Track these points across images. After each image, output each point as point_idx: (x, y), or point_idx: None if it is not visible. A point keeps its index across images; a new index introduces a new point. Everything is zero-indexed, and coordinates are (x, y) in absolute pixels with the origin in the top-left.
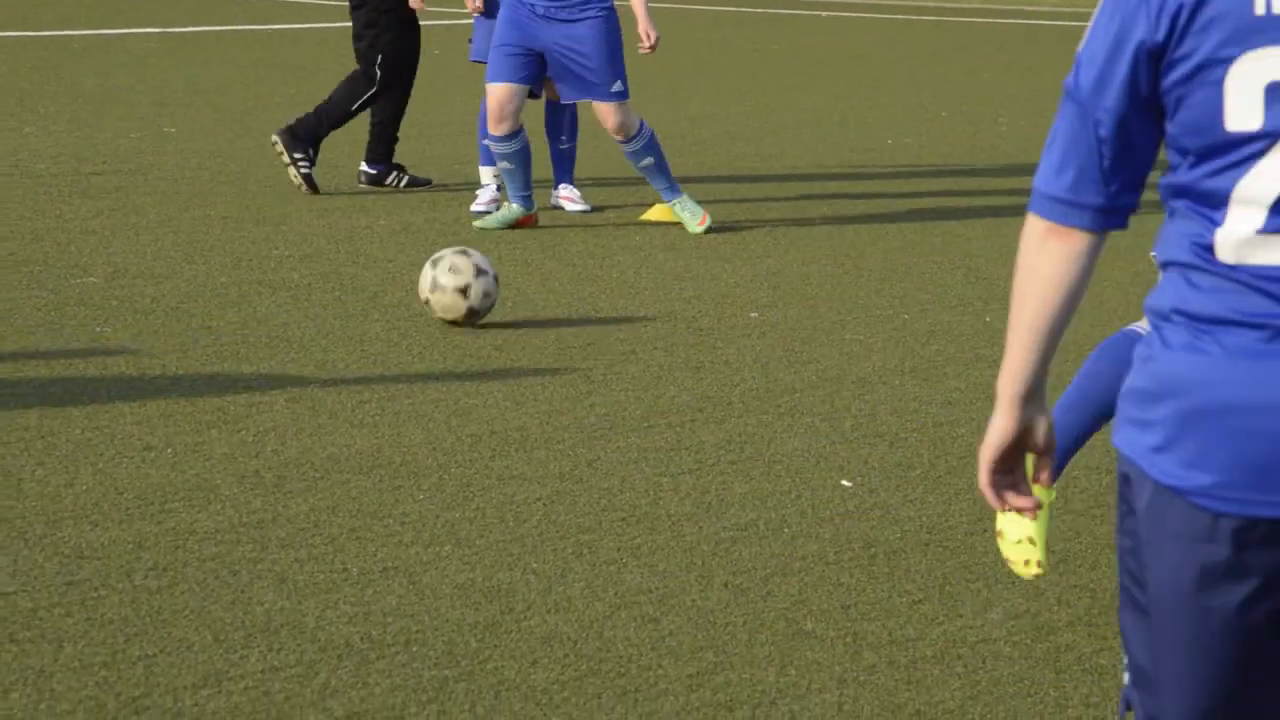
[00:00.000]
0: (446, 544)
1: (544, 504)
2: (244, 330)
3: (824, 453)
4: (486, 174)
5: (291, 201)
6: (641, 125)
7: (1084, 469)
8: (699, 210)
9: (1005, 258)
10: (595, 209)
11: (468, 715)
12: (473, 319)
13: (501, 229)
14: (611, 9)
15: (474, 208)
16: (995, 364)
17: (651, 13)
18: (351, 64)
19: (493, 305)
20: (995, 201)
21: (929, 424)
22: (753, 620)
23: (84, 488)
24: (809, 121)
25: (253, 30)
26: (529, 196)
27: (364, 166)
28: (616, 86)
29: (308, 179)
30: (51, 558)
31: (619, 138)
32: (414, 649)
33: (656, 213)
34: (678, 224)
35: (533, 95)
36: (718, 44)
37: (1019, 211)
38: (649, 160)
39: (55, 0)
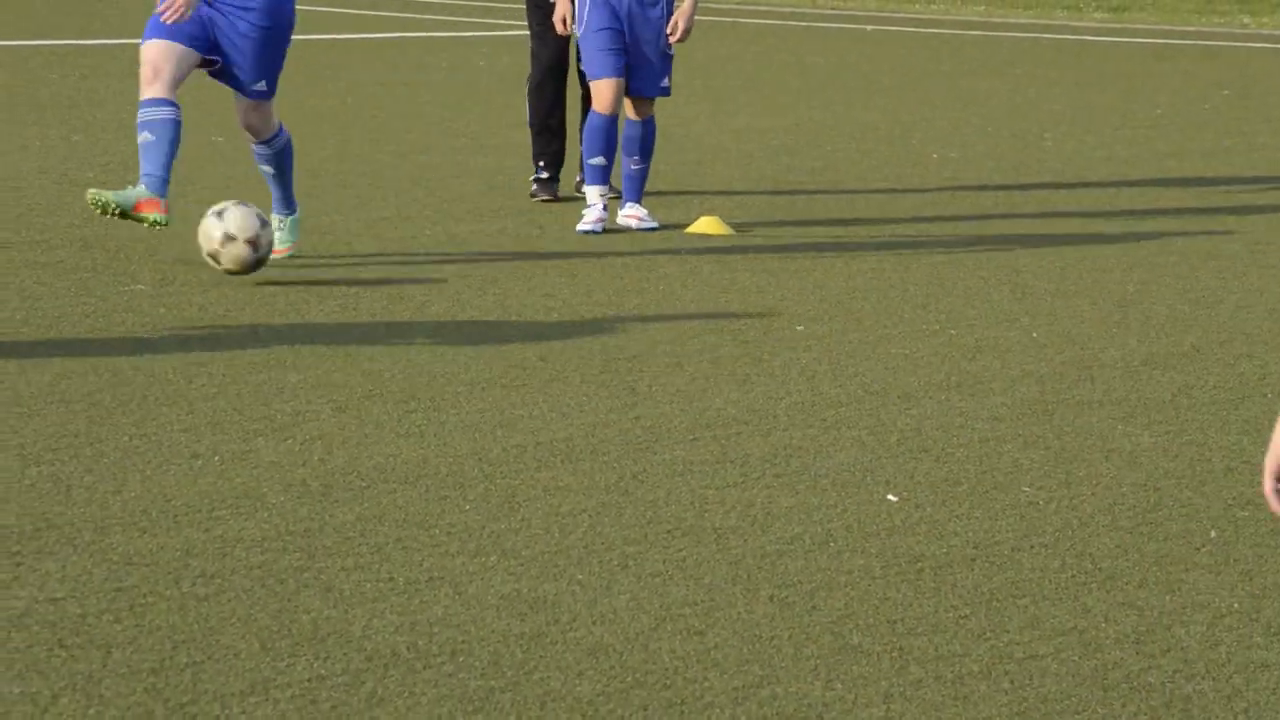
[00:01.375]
0: (492, 554)
1: (590, 515)
2: (291, 339)
3: (870, 467)
4: (593, 193)
5: (338, 211)
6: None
7: (1130, 486)
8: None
9: (1051, 273)
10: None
11: None
12: (258, 268)
13: (119, 210)
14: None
15: (580, 227)
16: (1041, 379)
17: (699, 20)
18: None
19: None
20: (1041, 218)
21: (975, 439)
22: (799, 634)
23: (132, 495)
24: (854, 136)
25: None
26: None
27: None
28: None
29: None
30: (100, 564)
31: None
32: (460, 659)
33: (703, 225)
34: (725, 236)
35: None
36: (763, 57)
37: (1064, 228)
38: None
39: (105, 9)
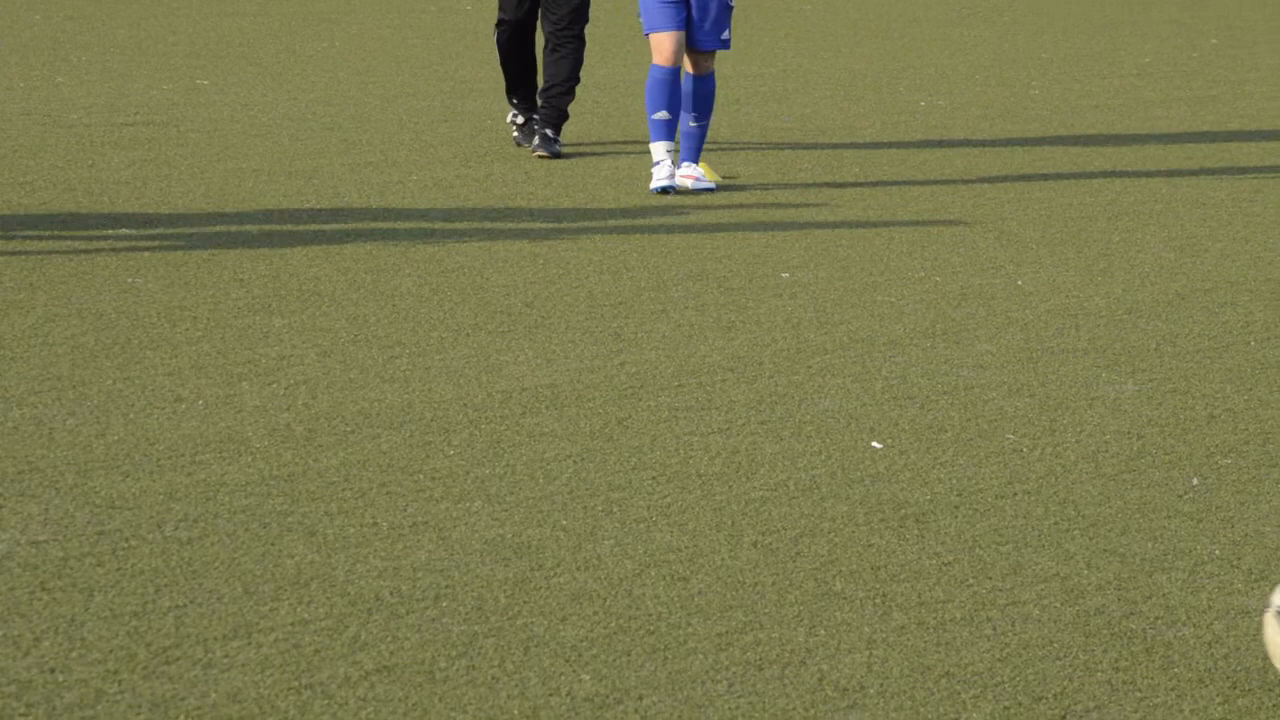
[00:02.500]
0: (477, 500)
1: (574, 461)
2: (275, 283)
3: (854, 414)
4: (659, 150)
5: (323, 155)
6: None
7: (1114, 434)
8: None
9: (1037, 221)
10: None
11: (496, 671)
12: None
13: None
14: None
15: (653, 185)
16: (1026, 327)
17: None
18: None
19: None
20: (1027, 166)
21: (960, 386)
22: (782, 580)
23: (115, 438)
24: (842, 83)
25: None
26: None
27: (550, 134)
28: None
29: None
30: (83, 507)
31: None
32: (443, 604)
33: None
34: (712, 183)
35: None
36: (751, 4)
37: (1050, 176)
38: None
39: None
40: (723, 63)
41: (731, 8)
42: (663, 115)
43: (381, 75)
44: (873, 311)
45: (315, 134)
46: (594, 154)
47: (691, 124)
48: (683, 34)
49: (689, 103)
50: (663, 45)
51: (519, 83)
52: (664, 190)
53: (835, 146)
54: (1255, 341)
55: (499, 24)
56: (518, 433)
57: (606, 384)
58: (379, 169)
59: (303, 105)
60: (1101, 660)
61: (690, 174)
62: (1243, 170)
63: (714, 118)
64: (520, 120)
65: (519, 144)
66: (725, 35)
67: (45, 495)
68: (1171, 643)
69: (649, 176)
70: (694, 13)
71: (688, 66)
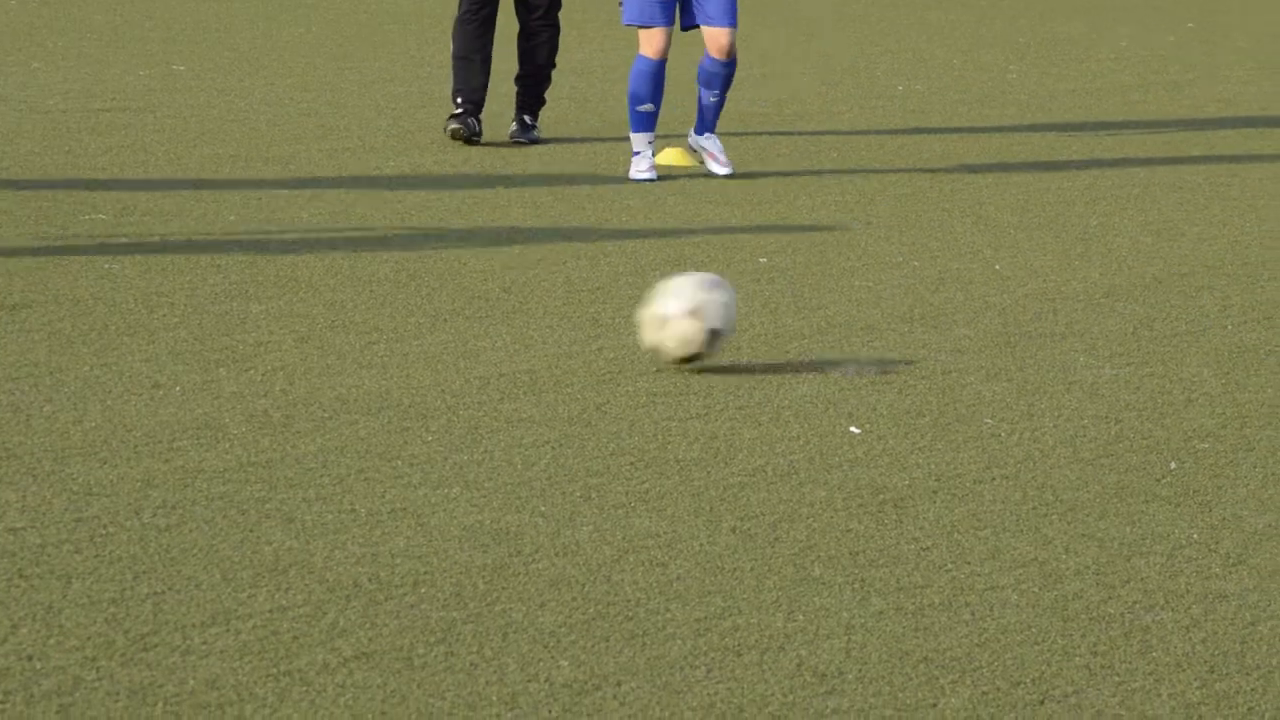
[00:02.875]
0: (455, 486)
1: (552, 447)
2: (253, 269)
3: (832, 399)
4: (640, 140)
5: (300, 141)
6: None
7: (1091, 418)
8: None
9: (1014, 206)
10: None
11: (475, 657)
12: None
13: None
14: None
15: (633, 174)
16: (1003, 311)
17: None
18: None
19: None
20: (1005, 150)
21: (938, 371)
22: (760, 565)
23: (92, 425)
24: (819, 67)
25: None
26: None
27: (528, 120)
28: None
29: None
30: (60, 494)
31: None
32: (422, 590)
33: (667, 156)
34: (687, 168)
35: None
36: None
37: (1028, 160)
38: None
39: None
40: (698, 48)
41: None
42: (647, 108)
43: (359, 61)
44: (850, 296)
45: (292, 120)
46: (571, 139)
47: (712, 99)
48: (671, 29)
49: (715, 81)
50: (654, 39)
51: (472, 76)
52: (644, 180)
53: (813, 132)
54: (1232, 325)
55: (465, 13)
56: (495, 418)
57: (584, 370)
58: (356, 155)
59: (280, 91)
60: (1080, 645)
61: (714, 152)
62: (1219, 154)
63: (693, 103)
64: (459, 111)
65: (458, 135)
66: (734, 11)
67: (22, 482)
68: (1150, 627)
69: (625, 162)
70: None
71: (713, 49)
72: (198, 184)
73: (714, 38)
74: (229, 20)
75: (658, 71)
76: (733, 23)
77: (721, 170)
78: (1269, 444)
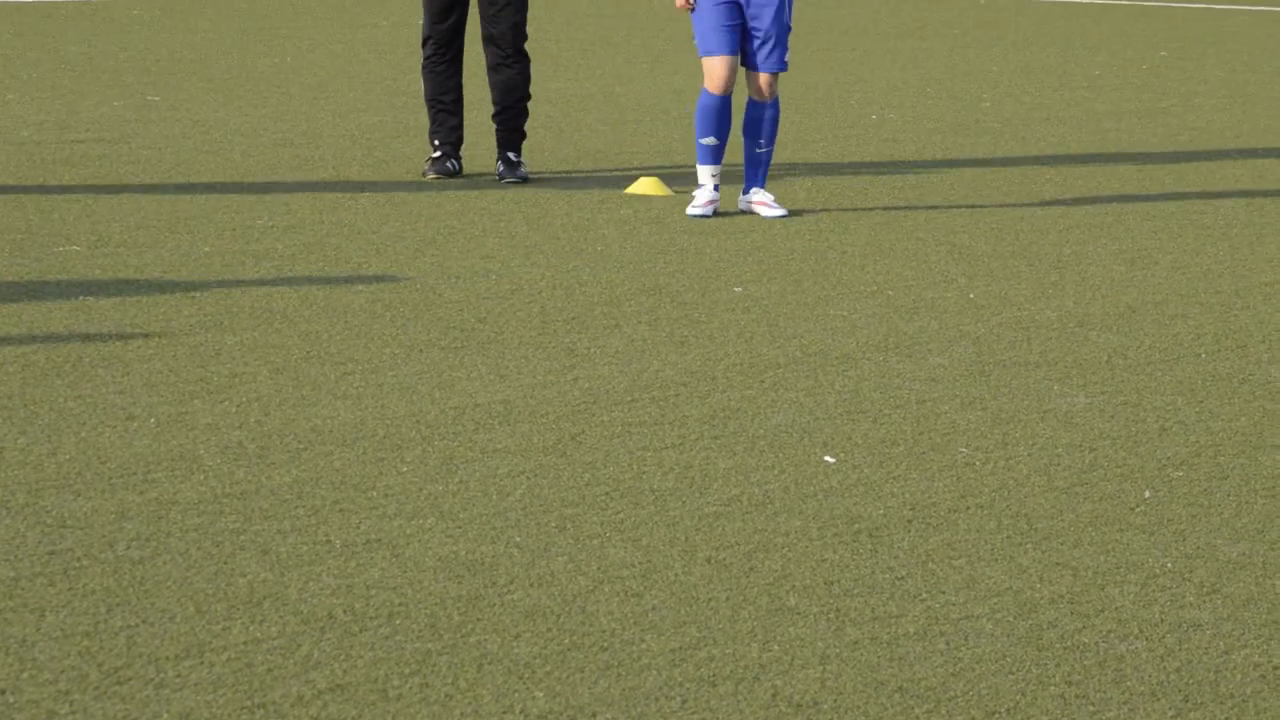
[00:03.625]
0: (430, 517)
1: (528, 478)
2: (228, 300)
3: (807, 428)
4: (704, 173)
5: (275, 171)
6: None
7: (1066, 447)
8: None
9: (989, 235)
10: (580, 181)
11: (450, 688)
12: None
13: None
14: None
15: (690, 210)
16: (978, 340)
17: None
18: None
19: None
20: (979, 179)
21: (912, 400)
22: (735, 596)
23: (66, 457)
24: (793, 96)
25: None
26: None
27: (513, 157)
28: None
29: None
30: (34, 527)
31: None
32: (397, 622)
33: (642, 186)
34: (663, 197)
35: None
36: None
37: (1002, 189)
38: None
39: None
40: (673, 76)
41: (790, 28)
42: (710, 141)
43: (334, 92)
44: (825, 325)
45: (267, 150)
46: (547, 169)
47: (759, 150)
48: (737, 59)
49: (757, 129)
50: (715, 70)
51: (447, 118)
52: (700, 216)
53: (787, 162)
54: (1206, 354)
55: (425, 41)
56: (470, 449)
57: (559, 400)
58: (331, 185)
59: (255, 121)
60: (1054, 674)
61: (762, 200)
62: (1193, 182)
63: (669, 131)
64: (437, 154)
65: (434, 174)
66: (786, 57)
67: None
68: (1124, 656)
69: (600, 191)
70: (751, 35)
71: (753, 92)
72: (172, 215)
73: (754, 82)
74: (204, 51)
75: (720, 105)
76: (776, 68)
77: (775, 213)
78: (1243, 473)
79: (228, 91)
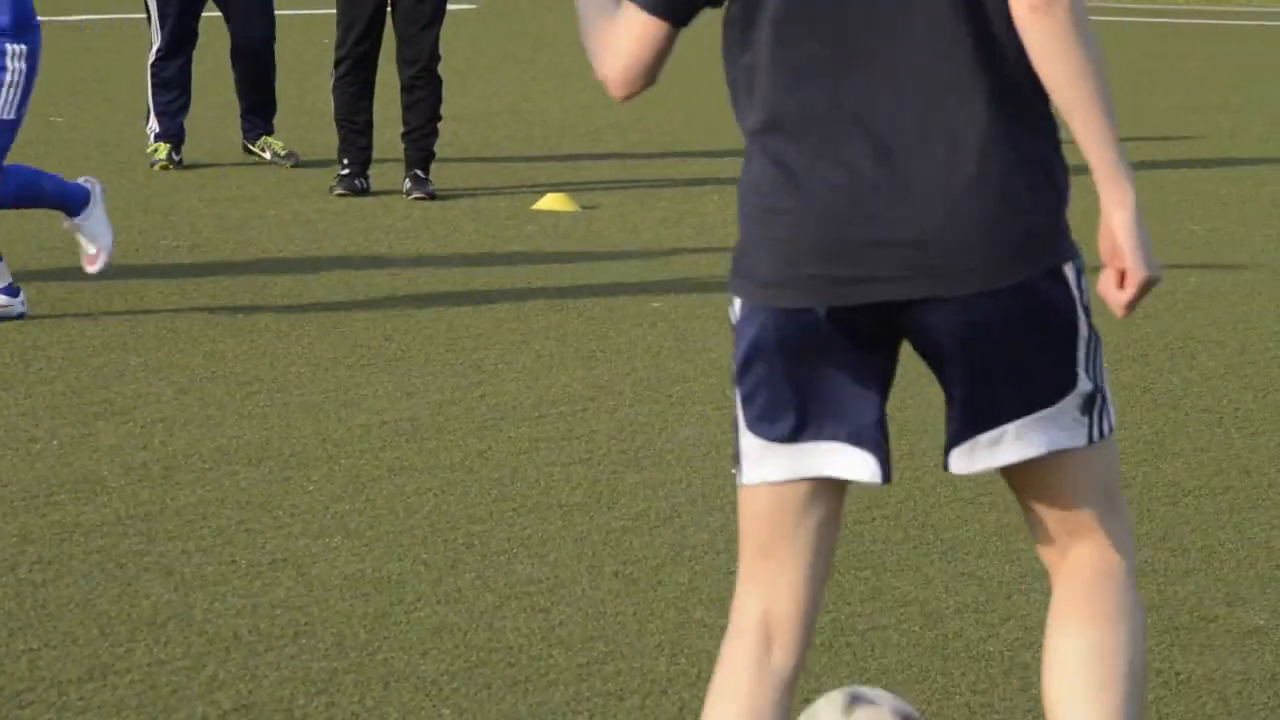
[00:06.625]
0: (336, 535)
1: (435, 495)
2: (131, 321)
3: (715, 442)
4: None
5: (180, 191)
6: None
7: None
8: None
9: None
10: (488, 194)
11: (357, 707)
12: None
13: None
14: None
15: None
16: None
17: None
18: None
19: None
20: None
21: None
22: (643, 610)
23: None
24: (705, 112)
25: (142, 19)
26: None
27: (420, 174)
28: None
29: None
30: None
31: None
32: (303, 641)
33: (550, 201)
34: (570, 212)
35: None
36: None
37: None
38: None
39: None
40: (582, 92)
41: None
42: None
43: (238, 110)
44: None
45: (172, 171)
46: (454, 186)
47: None
48: None
49: None
50: None
51: (356, 138)
52: None
53: (696, 176)
54: (1108, 363)
55: (337, 63)
56: (377, 467)
57: (466, 416)
58: (236, 204)
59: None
60: (960, 683)
61: None
62: (1089, 195)
63: (576, 147)
64: (345, 172)
65: (341, 191)
66: None
67: None
68: (1029, 664)
69: (508, 207)
70: None
71: None
72: (75, 237)
73: None
74: (107, 71)
75: None
76: None
77: None
78: (1145, 480)
79: (132, 111)
